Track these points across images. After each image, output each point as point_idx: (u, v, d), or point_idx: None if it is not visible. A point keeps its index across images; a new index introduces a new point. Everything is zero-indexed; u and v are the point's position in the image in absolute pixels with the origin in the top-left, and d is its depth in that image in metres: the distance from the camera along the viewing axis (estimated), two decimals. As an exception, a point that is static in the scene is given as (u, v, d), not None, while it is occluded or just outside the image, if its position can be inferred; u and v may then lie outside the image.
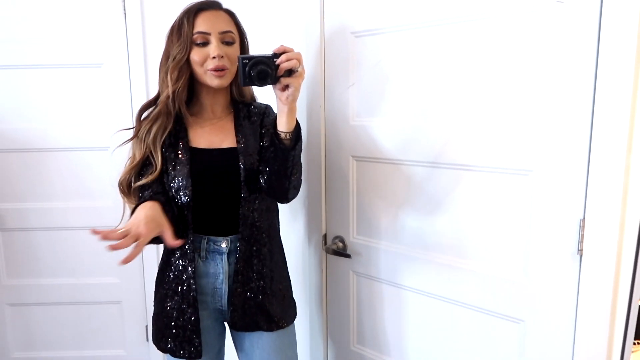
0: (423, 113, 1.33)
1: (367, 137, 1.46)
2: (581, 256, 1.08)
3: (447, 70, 1.26)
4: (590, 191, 1.05)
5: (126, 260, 1.03)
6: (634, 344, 1.00)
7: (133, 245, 1.06)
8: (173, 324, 1.31)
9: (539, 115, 1.11)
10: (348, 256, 1.56)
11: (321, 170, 1.60)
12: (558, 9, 1.05)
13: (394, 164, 1.41)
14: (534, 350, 1.20)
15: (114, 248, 1.02)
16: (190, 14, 1.24)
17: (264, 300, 1.33)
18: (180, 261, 1.30)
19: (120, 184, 1.30)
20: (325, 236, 1.64)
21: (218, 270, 1.31)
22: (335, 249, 1.58)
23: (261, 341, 1.35)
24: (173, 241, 1.15)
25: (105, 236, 1.02)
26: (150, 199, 1.23)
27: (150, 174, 1.26)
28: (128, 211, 1.29)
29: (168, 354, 1.33)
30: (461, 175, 1.27)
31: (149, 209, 1.15)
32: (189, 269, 1.28)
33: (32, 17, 1.89)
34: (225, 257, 1.31)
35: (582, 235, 1.07)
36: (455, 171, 1.28)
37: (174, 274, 1.31)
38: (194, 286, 1.28)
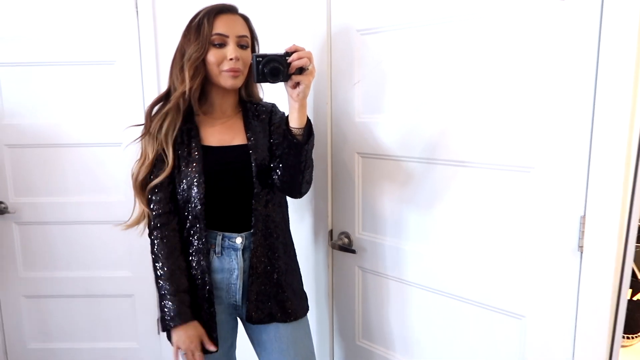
0: (425, 110, 1.34)
1: (372, 134, 1.47)
2: (582, 253, 1.08)
3: (450, 68, 1.27)
4: (591, 188, 1.05)
5: None
6: (630, 337, 1.00)
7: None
8: None
9: (541, 114, 1.12)
10: (353, 252, 1.57)
11: (327, 166, 1.61)
12: (559, 7, 1.06)
13: (398, 160, 1.43)
14: (535, 345, 1.21)
15: None
16: (211, 15, 1.26)
17: (278, 293, 1.37)
18: (193, 257, 1.33)
19: (135, 182, 1.33)
20: (331, 232, 1.66)
21: (233, 266, 1.34)
22: (341, 244, 1.60)
23: (278, 333, 1.38)
24: (211, 346, 1.32)
25: None
26: (163, 225, 1.32)
27: (163, 170, 1.30)
28: (137, 206, 1.34)
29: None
30: (465, 172, 1.28)
31: (194, 329, 1.30)
32: (203, 264, 1.31)
33: (45, 14, 1.94)
34: (240, 253, 1.34)
35: (583, 232, 1.07)
36: (458, 168, 1.29)
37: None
38: (208, 280, 1.32)
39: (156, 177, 1.30)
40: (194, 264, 1.33)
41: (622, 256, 0.98)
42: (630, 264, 0.95)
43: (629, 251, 0.94)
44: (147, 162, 1.31)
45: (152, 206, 1.32)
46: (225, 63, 1.26)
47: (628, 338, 1.00)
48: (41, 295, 2.18)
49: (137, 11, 1.92)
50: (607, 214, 1.03)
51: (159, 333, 2.20)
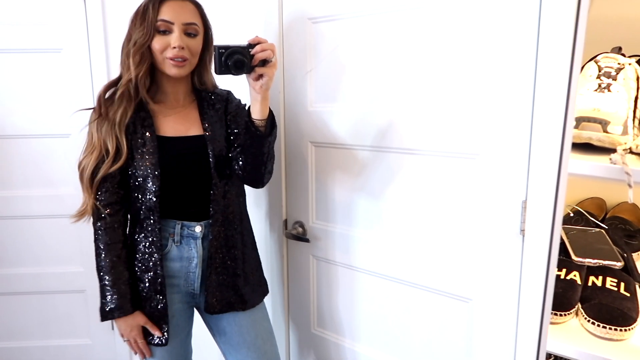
0: (376, 99, 1.35)
1: (324, 123, 1.47)
2: (524, 236, 1.12)
3: (398, 58, 1.28)
4: (532, 174, 1.08)
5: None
6: (563, 315, 1.04)
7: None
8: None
9: (486, 104, 1.14)
10: (307, 241, 1.58)
11: (281, 156, 1.61)
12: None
13: (349, 149, 1.43)
14: (481, 327, 1.24)
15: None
16: (157, 1, 1.23)
17: (236, 282, 1.37)
18: (146, 249, 1.30)
19: (83, 173, 1.27)
20: (285, 221, 1.66)
21: (192, 254, 1.33)
22: (295, 234, 1.60)
23: (237, 318, 1.40)
24: (156, 331, 1.32)
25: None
26: (110, 205, 1.29)
27: (115, 161, 1.25)
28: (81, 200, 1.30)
29: None
30: (413, 160, 1.30)
31: (133, 319, 1.31)
32: (156, 255, 1.30)
33: (-12, 1, 1.86)
34: (199, 241, 1.33)
35: (525, 216, 1.11)
36: (407, 155, 1.31)
37: (140, 261, 1.32)
38: (160, 273, 1.30)
39: (108, 167, 1.24)
40: (145, 256, 1.31)
41: (553, 237, 1.01)
42: (557, 245, 0.98)
43: (556, 232, 0.98)
44: (97, 152, 1.25)
45: (99, 195, 1.28)
46: (169, 50, 1.23)
47: (561, 315, 1.04)
48: (-12, 292, 2.10)
49: (84, -3, 1.86)
50: (545, 199, 1.06)
51: (112, 329, 2.16)
